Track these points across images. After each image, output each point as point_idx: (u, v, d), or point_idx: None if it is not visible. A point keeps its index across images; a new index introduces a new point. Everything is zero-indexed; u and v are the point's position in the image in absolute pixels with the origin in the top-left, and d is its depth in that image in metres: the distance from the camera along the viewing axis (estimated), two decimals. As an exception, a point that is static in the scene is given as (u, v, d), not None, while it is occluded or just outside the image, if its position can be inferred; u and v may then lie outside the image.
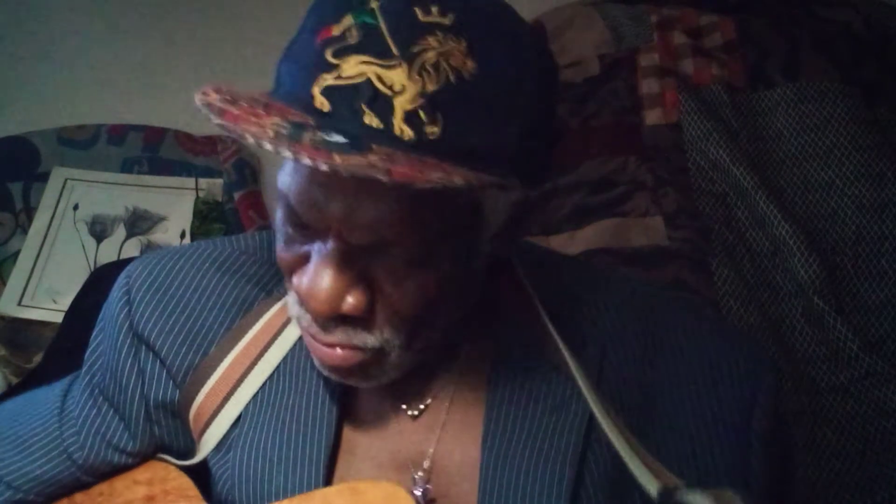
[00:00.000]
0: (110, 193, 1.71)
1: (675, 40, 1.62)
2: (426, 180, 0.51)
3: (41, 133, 1.75)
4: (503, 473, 0.70)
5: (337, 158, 0.51)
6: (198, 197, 1.68)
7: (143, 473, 0.82)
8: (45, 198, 1.70)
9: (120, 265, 1.62)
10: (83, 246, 1.66)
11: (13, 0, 1.83)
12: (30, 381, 1.44)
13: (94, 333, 0.82)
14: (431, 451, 0.73)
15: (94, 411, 0.81)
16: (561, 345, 0.69)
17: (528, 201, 0.64)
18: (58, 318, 1.52)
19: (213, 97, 0.55)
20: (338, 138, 0.53)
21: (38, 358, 1.50)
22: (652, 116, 1.56)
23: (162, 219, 1.69)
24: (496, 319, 0.73)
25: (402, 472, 0.74)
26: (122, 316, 0.77)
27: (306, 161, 0.50)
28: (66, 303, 1.51)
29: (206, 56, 1.76)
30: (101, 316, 0.81)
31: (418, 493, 0.73)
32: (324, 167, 0.50)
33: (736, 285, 1.42)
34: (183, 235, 1.67)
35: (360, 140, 0.54)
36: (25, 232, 1.67)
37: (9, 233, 1.67)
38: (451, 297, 0.64)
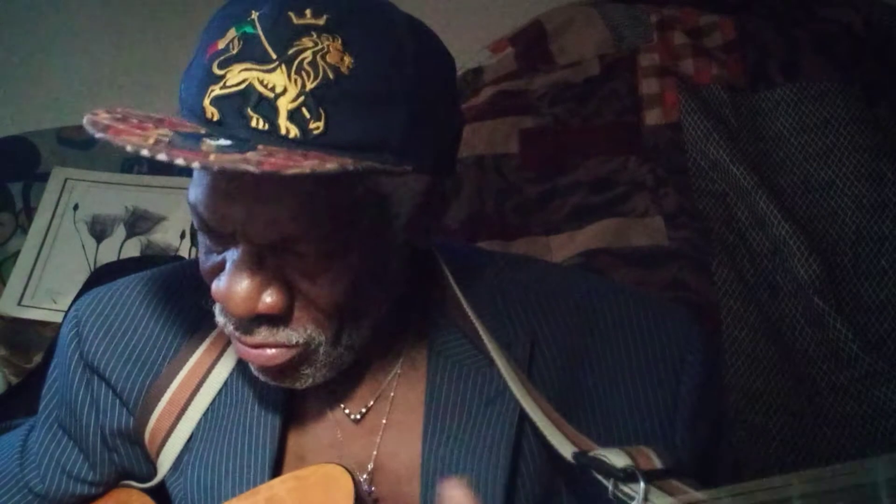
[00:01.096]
0: (110, 193, 1.71)
1: (675, 40, 1.62)
2: (297, 167, 0.53)
3: (41, 133, 1.75)
4: (443, 470, 0.71)
5: (211, 157, 0.54)
6: (198, 197, 1.68)
7: (106, 502, 0.84)
8: (45, 198, 1.70)
9: (120, 265, 1.63)
10: (83, 246, 1.66)
11: (13, 0, 1.83)
12: (30, 381, 1.44)
13: (49, 370, 0.84)
14: (374, 453, 0.75)
15: (54, 444, 0.83)
16: (485, 338, 0.71)
17: (436, 189, 0.67)
18: (58, 318, 1.52)
19: (102, 116, 0.59)
20: (224, 142, 0.56)
21: (38, 358, 1.50)
22: (652, 116, 1.56)
23: (162, 219, 1.69)
24: (430, 319, 0.75)
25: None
26: (72, 348, 0.80)
27: (180, 162, 0.53)
28: (66, 303, 1.52)
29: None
30: (55, 353, 0.83)
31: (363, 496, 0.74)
32: (196, 165, 0.53)
33: (736, 285, 1.42)
34: (183, 235, 1.67)
35: (248, 142, 0.57)
36: (25, 232, 1.67)
37: (9, 233, 1.67)
38: (370, 289, 0.66)
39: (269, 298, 0.63)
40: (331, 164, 0.55)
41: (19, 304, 1.60)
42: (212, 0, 0.67)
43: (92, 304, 0.80)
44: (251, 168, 0.53)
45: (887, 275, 1.41)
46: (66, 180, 1.72)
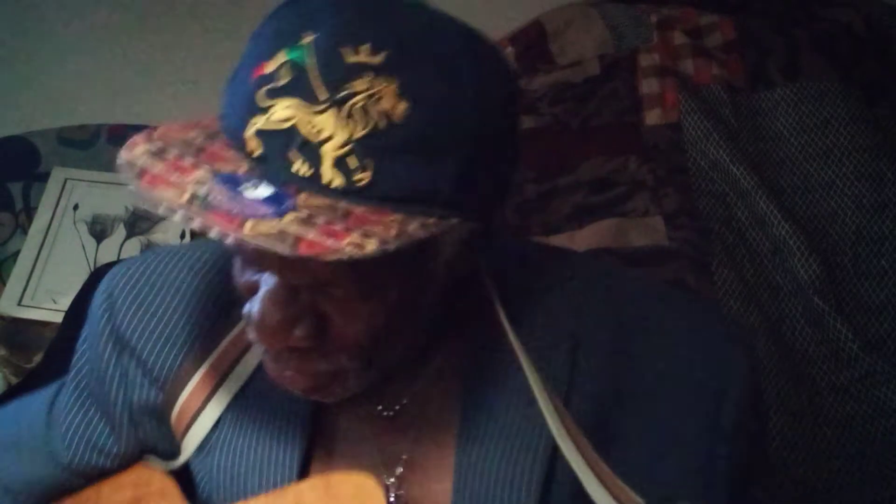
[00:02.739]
0: (110, 193, 1.71)
1: (675, 40, 1.62)
2: (336, 251, 0.52)
3: (41, 133, 1.75)
4: (477, 474, 0.70)
5: (247, 227, 0.52)
6: (198, 197, 1.68)
7: (128, 476, 0.83)
8: (45, 198, 1.70)
9: (120, 265, 1.62)
10: (83, 246, 1.66)
11: (13, 0, 1.83)
12: (30, 381, 1.44)
13: (80, 339, 0.82)
14: (405, 456, 0.74)
15: (81, 415, 0.81)
16: (523, 359, 0.69)
17: (483, 230, 0.64)
18: (58, 318, 1.52)
19: (140, 150, 0.57)
20: (264, 191, 0.54)
21: (38, 358, 1.50)
22: (652, 116, 1.56)
23: (162, 219, 1.69)
24: (470, 323, 0.74)
25: (378, 475, 0.74)
26: (104, 320, 0.78)
27: (215, 234, 0.52)
28: (66, 303, 1.51)
29: (205, 55, 1.76)
30: (86, 321, 0.81)
31: (392, 497, 0.73)
32: (230, 241, 0.52)
33: (736, 285, 1.42)
34: (183, 235, 1.67)
35: (288, 188, 0.54)
36: (25, 232, 1.67)
37: (9, 233, 1.67)
38: (407, 322, 0.65)
39: (300, 331, 0.61)
40: (371, 246, 0.52)
41: (19, 304, 1.60)
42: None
43: (125, 278, 0.78)
44: (286, 251, 0.51)
45: (887, 275, 1.41)
46: (66, 180, 1.72)
